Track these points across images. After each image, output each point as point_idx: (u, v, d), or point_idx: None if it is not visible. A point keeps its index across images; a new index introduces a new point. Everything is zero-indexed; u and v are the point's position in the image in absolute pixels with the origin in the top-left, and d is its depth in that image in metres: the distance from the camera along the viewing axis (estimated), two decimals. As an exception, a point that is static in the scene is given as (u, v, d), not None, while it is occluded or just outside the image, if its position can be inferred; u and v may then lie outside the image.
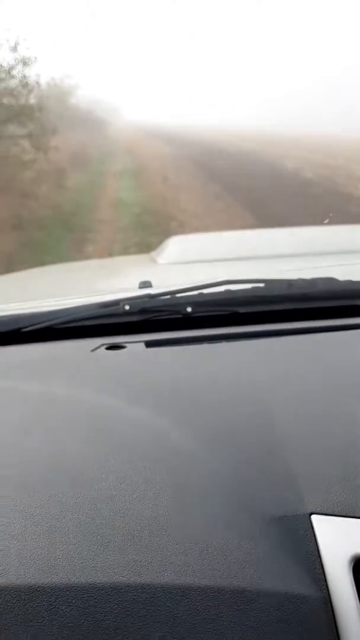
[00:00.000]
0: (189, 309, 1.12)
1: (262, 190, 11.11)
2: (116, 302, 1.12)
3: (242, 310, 1.14)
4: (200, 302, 1.13)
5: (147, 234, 7.08)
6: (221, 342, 1.07)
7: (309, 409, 0.80)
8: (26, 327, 1.09)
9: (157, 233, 7.10)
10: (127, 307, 1.11)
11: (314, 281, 1.16)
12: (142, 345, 1.07)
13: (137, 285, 1.36)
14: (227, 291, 1.15)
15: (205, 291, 1.14)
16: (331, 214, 8.21)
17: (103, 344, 1.06)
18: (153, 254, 1.92)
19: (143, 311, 1.12)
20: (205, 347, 1.05)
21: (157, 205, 9.08)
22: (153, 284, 1.37)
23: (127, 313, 1.11)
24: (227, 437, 0.73)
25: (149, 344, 1.07)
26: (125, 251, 6.34)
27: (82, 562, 0.54)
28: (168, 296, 1.14)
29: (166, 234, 7.51)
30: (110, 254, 6.22)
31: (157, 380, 0.91)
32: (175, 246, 1.94)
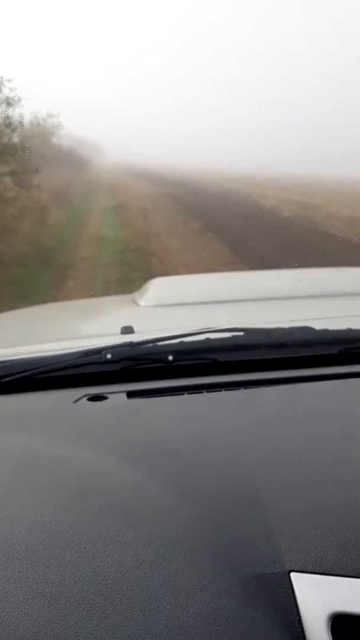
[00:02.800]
0: (170, 358, 1.14)
1: (242, 229, 11.29)
2: (98, 351, 1.12)
3: (222, 358, 1.16)
4: (182, 351, 1.15)
5: (129, 270, 7.09)
6: (202, 392, 1.08)
7: (288, 461, 0.80)
8: (4, 377, 1.07)
9: (139, 269, 7.12)
10: (109, 356, 1.12)
11: (291, 330, 1.19)
12: (124, 395, 1.07)
13: (119, 330, 1.34)
14: (208, 339, 1.17)
15: (186, 339, 1.16)
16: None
17: (85, 395, 1.06)
18: (135, 295, 1.91)
19: (125, 360, 1.13)
20: (186, 397, 1.06)
21: (138, 243, 9.14)
22: (135, 328, 1.35)
23: (109, 362, 1.12)
24: (207, 492, 0.73)
25: (131, 394, 1.08)
26: (107, 287, 6.31)
27: (65, 629, 0.53)
28: (150, 344, 1.15)
29: (148, 270, 7.62)
30: (92, 291, 6.18)
31: (138, 434, 0.91)
32: (157, 289, 1.97)
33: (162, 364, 1.14)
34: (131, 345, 1.14)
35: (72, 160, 29.95)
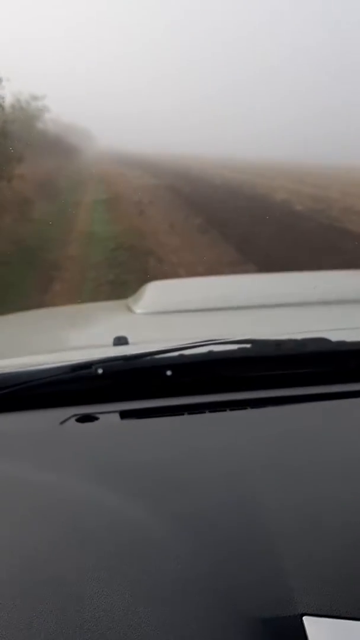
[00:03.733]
0: (169, 373, 1.13)
1: (249, 225, 11.32)
2: (87, 365, 1.11)
3: (227, 374, 1.16)
4: (182, 365, 1.14)
5: (122, 271, 7.09)
6: (204, 412, 1.07)
7: (299, 492, 0.79)
8: None
9: (133, 270, 7.12)
10: (99, 371, 1.10)
11: (304, 342, 1.18)
12: (117, 416, 1.07)
13: (111, 341, 1.35)
14: (211, 352, 1.16)
15: (186, 352, 1.15)
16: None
17: (73, 415, 1.06)
18: (129, 301, 1.92)
19: (118, 375, 1.12)
20: (186, 418, 1.06)
21: (133, 240, 9.15)
22: (129, 338, 1.35)
23: (100, 377, 1.10)
24: (208, 526, 0.73)
25: (125, 415, 1.07)
26: (98, 290, 6.32)
27: None
28: (146, 358, 1.14)
29: (143, 271, 7.62)
30: (81, 296, 6.18)
31: (133, 459, 0.91)
32: (154, 294, 1.97)
33: (159, 380, 1.14)
34: (125, 358, 1.14)
35: (59, 147, 30.03)
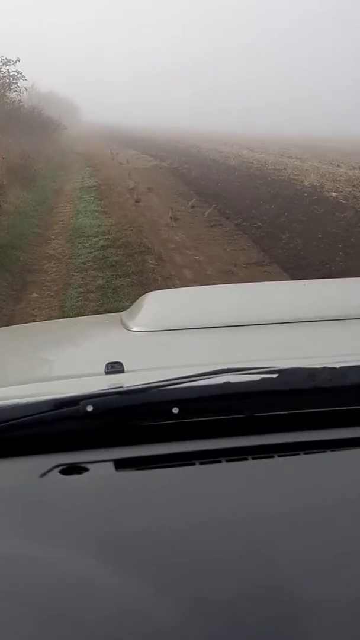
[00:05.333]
0: (176, 410, 1.14)
1: (272, 215, 11.33)
2: (74, 401, 1.11)
3: (248, 412, 1.16)
4: (191, 401, 1.15)
5: (115, 274, 7.10)
6: (220, 461, 1.08)
7: (345, 569, 0.80)
8: None
9: (128, 274, 7.14)
10: (89, 408, 1.10)
11: (343, 371, 1.19)
12: (111, 466, 1.07)
13: (103, 369, 1.33)
14: (227, 384, 1.17)
15: (197, 384, 1.16)
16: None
17: (56, 465, 1.07)
18: (124, 315, 1.93)
19: (112, 414, 1.12)
20: (197, 469, 1.06)
21: (128, 236, 9.18)
22: (125, 364, 1.34)
23: (89, 416, 1.10)
24: (222, 607, 0.74)
25: (120, 465, 1.07)
26: (84, 299, 6.31)
27: None
28: (147, 391, 1.15)
29: (140, 274, 7.61)
30: (62, 305, 6.18)
31: (130, 522, 0.91)
32: (153, 307, 1.98)
33: (163, 420, 1.14)
34: (121, 392, 1.14)
35: (36, 121, 30.33)
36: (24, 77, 29.84)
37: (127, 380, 1.22)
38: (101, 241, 8.84)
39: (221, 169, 19.53)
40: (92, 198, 13.13)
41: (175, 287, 6.53)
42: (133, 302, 2.06)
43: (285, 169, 19.82)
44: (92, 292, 6.55)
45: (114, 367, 1.35)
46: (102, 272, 7.24)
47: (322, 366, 1.20)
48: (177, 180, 16.78)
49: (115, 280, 6.87)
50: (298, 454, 1.09)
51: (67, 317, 5.40)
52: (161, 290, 3.68)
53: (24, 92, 31.06)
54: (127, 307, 2.12)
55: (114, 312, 4.92)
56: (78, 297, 6.39)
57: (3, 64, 29.03)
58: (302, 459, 1.08)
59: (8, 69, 28.96)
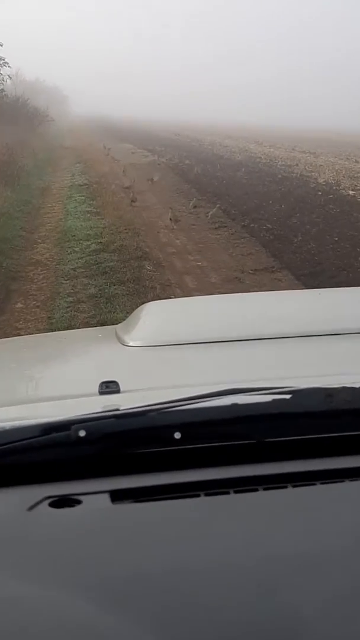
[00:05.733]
0: (178, 436, 1.14)
1: (283, 216, 11.36)
2: (65, 425, 1.12)
3: (258, 437, 1.16)
4: (195, 426, 1.15)
5: (108, 282, 7.12)
6: (228, 492, 1.08)
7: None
8: None
9: (123, 281, 7.16)
10: (81, 434, 1.11)
11: None
12: (106, 498, 1.07)
13: (97, 389, 1.34)
14: (235, 406, 1.17)
15: (201, 406, 1.16)
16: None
17: (46, 497, 1.07)
18: (119, 329, 1.94)
19: (107, 440, 1.13)
20: (203, 502, 1.06)
21: (123, 239, 9.21)
22: (121, 383, 1.35)
23: (82, 442, 1.11)
24: None
25: (116, 497, 1.08)
26: (74, 310, 6.32)
27: None
28: (145, 414, 1.15)
29: (137, 282, 7.61)
30: (51, 316, 6.19)
31: (128, 563, 0.91)
32: (151, 319, 1.99)
33: (164, 446, 1.14)
34: (117, 416, 1.14)
35: (21, 112, 30.45)
36: (8, 63, 29.99)
37: (123, 402, 1.21)
38: (93, 245, 8.87)
39: (226, 165, 19.60)
40: (83, 197, 13.17)
41: (175, 297, 6.55)
42: (129, 313, 2.07)
43: (297, 164, 19.90)
44: (83, 302, 6.56)
45: (109, 387, 1.35)
46: (95, 280, 7.26)
47: (340, 385, 1.20)
48: (177, 178, 16.83)
49: (109, 289, 6.89)
50: (314, 484, 1.08)
51: (55, 331, 5.40)
52: (160, 301, 3.69)
53: (7, 80, 31.21)
54: (123, 319, 2.13)
55: (108, 325, 4.90)
56: (68, 307, 6.41)
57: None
58: (319, 489, 1.08)
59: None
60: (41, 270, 7.92)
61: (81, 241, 9.17)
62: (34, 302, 6.71)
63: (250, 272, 7.87)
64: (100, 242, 9.01)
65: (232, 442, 1.16)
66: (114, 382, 1.36)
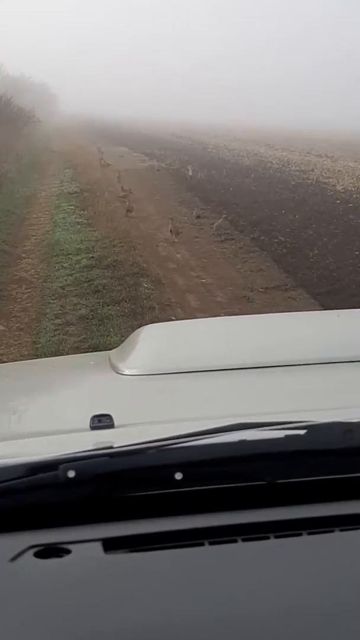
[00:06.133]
0: (179, 476, 1.14)
1: (296, 228, 11.40)
2: (52, 465, 1.12)
3: (270, 477, 1.17)
4: (198, 465, 1.16)
5: (100, 301, 7.13)
6: (235, 540, 1.09)
7: None
8: None
9: (118, 300, 7.17)
10: (71, 474, 1.11)
11: None
12: (98, 547, 1.08)
13: (88, 423, 1.35)
14: (244, 443, 1.18)
15: (205, 442, 1.18)
16: None
17: (31, 546, 1.08)
18: (114, 355, 1.95)
19: (99, 481, 1.13)
20: (207, 551, 1.07)
21: (117, 253, 9.25)
22: (115, 417, 1.36)
23: (71, 484, 1.11)
24: None
25: (110, 545, 1.08)
26: (62, 333, 6.32)
27: None
28: (143, 452, 1.16)
29: (133, 301, 7.61)
30: (36, 340, 6.19)
31: (123, 619, 0.92)
32: (149, 345, 2.03)
33: (164, 488, 1.15)
34: (110, 454, 1.15)
35: (4, 112, 30.76)
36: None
37: (117, 438, 1.22)
38: (84, 260, 8.91)
39: (233, 170, 19.73)
40: (72, 207, 13.25)
41: (176, 319, 6.55)
42: (124, 337, 2.07)
43: (312, 169, 20.02)
44: (72, 325, 6.58)
45: (102, 421, 1.36)
46: (86, 299, 7.28)
47: (358, 420, 1.21)
48: (178, 185, 16.94)
49: (101, 309, 6.90)
50: (332, 531, 1.09)
51: (41, 357, 5.39)
52: (159, 323, 3.71)
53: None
54: (117, 344, 2.14)
55: (100, 351, 4.89)
56: (55, 330, 6.41)
57: None
58: (338, 536, 1.09)
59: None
60: (26, 289, 7.94)
61: (70, 256, 9.20)
62: (17, 325, 6.72)
63: (261, 290, 7.88)
64: (92, 257, 9.05)
65: (240, 484, 1.17)
66: (107, 416, 1.37)
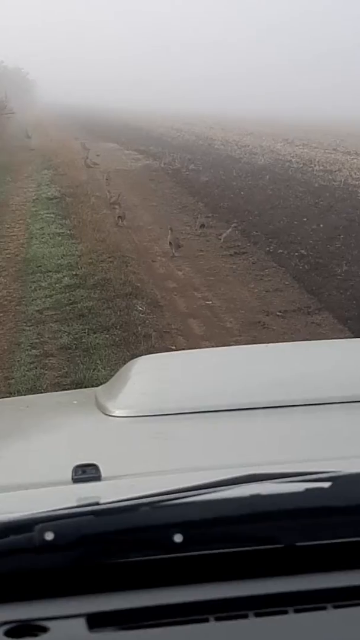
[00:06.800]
0: (179, 539, 1.14)
1: (322, 239, 11.43)
2: (27, 525, 1.13)
3: (285, 541, 1.18)
4: (201, 525, 1.17)
5: (85, 328, 7.14)
6: (245, 615, 1.10)
7: None
8: None
9: (105, 327, 7.19)
10: (49, 536, 1.11)
11: None
12: (82, 623, 1.09)
13: (70, 474, 1.35)
14: (256, 499, 1.19)
15: (209, 498, 1.18)
16: None
17: (2, 623, 1.09)
18: (101, 392, 1.96)
19: (83, 545, 1.13)
20: (211, 629, 1.08)
21: (105, 270, 9.28)
22: (102, 467, 1.36)
23: (50, 548, 1.11)
24: None
25: (96, 621, 1.10)
26: (41, 366, 6.33)
27: None
28: (134, 509, 1.16)
29: (124, 328, 7.61)
30: (7, 378, 6.19)
31: None
32: (142, 381, 2.05)
33: (161, 553, 1.16)
34: (96, 511, 1.16)
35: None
36: None
37: (105, 493, 1.23)
38: (66, 279, 8.94)
39: (245, 170, 19.84)
40: (52, 215, 13.32)
41: (176, 349, 6.56)
42: (114, 371, 2.08)
43: (339, 169, 20.14)
44: (52, 356, 6.60)
45: (86, 473, 1.36)
46: (68, 325, 7.29)
47: None
48: (178, 188, 17.02)
49: (86, 338, 6.92)
50: None
51: (15, 395, 5.40)
52: (155, 355, 3.71)
53: None
54: (105, 380, 2.14)
55: (85, 388, 4.88)
56: (31, 363, 6.43)
57: None
58: None
59: None
60: (-4, 313, 7.95)
61: (50, 273, 9.23)
62: (-14, 356, 6.72)
63: (279, 314, 7.90)
64: (76, 275, 9.08)
65: (252, 547, 1.17)
66: (93, 466, 1.37)
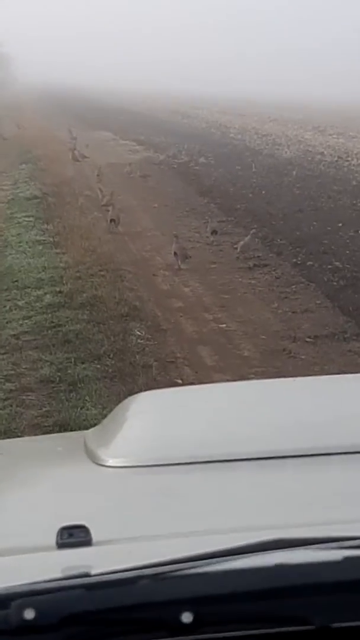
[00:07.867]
0: (187, 619, 1.15)
1: (355, 247, 11.47)
2: (1, 599, 1.14)
3: (318, 621, 1.19)
4: (214, 601, 1.19)
5: (71, 357, 7.16)
6: None
7: None
8: None
9: (96, 355, 7.22)
10: (28, 615, 1.12)
11: None
12: None
13: (54, 537, 1.36)
14: (281, 569, 1.20)
15: (224, 568, 1.19)
16: None
17: None
18: (91, 437, 1.99)
19: (69, 626, 1.15)
20: None
21: (95, 286, 9.31)
22: (92, 529, 1.37)
23: (30, 629, 1.13)
24: None
25: None
26: (17, 403, 6.35)
27: None
28: (132, 584, 1.16)
29: (118, 356, 7.63)
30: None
31: None
32: (141, 423, 2.09)
33: (165, 636, 1.17)
34: (86, 585, 1.17)
35: None
36: None
37: (96, 561, 1.24)
38: (48, 296, 8.98)
39: (266, 165, 19.96)
40: (31, 219, 13.40)
41: (181, 384, 6.57)
42: (107, 411, 2.08)
43: (382, 164, 20.20)
44: (30, 391, 6.63)
45: (73, 536, 1.36)
46: (50, 353, 7.33)
47: None
48: (185, 186, 17.12)
49: (73, 369, 6.94)
50: None
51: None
52: (156, 391, 3.72)
53: None
54: (97, 421, 2.14)
55: (71, 431, 4.89)
56: (6, 400, 6.46)
57: None
58: None
59: None
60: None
61: (28, 290, 9.28)
62: None
63: (308, 340, 7.92)
64: (60, 292, 9.12)
65: (279, 629, 1.18)
66: (82, 527, 1.37)
